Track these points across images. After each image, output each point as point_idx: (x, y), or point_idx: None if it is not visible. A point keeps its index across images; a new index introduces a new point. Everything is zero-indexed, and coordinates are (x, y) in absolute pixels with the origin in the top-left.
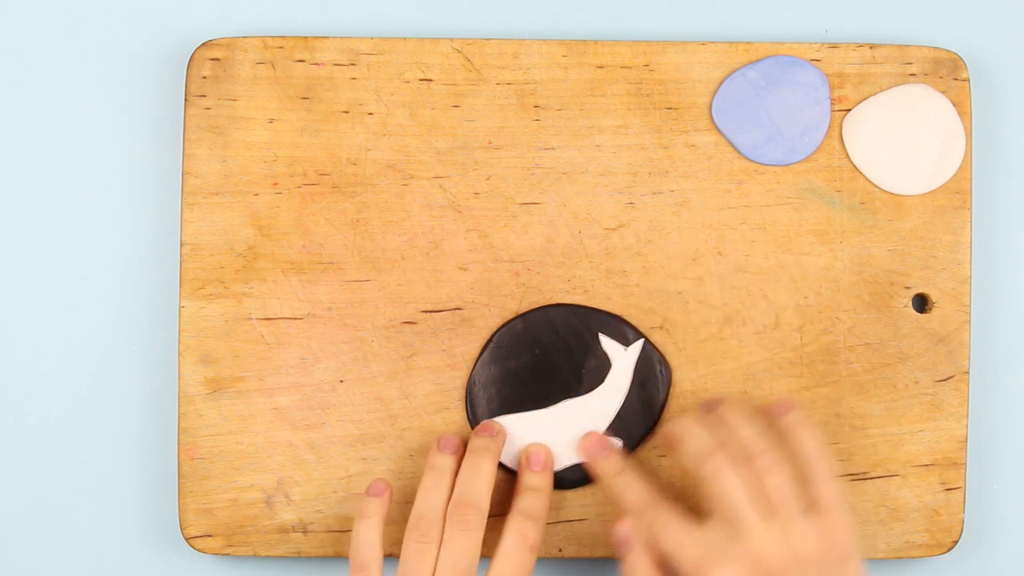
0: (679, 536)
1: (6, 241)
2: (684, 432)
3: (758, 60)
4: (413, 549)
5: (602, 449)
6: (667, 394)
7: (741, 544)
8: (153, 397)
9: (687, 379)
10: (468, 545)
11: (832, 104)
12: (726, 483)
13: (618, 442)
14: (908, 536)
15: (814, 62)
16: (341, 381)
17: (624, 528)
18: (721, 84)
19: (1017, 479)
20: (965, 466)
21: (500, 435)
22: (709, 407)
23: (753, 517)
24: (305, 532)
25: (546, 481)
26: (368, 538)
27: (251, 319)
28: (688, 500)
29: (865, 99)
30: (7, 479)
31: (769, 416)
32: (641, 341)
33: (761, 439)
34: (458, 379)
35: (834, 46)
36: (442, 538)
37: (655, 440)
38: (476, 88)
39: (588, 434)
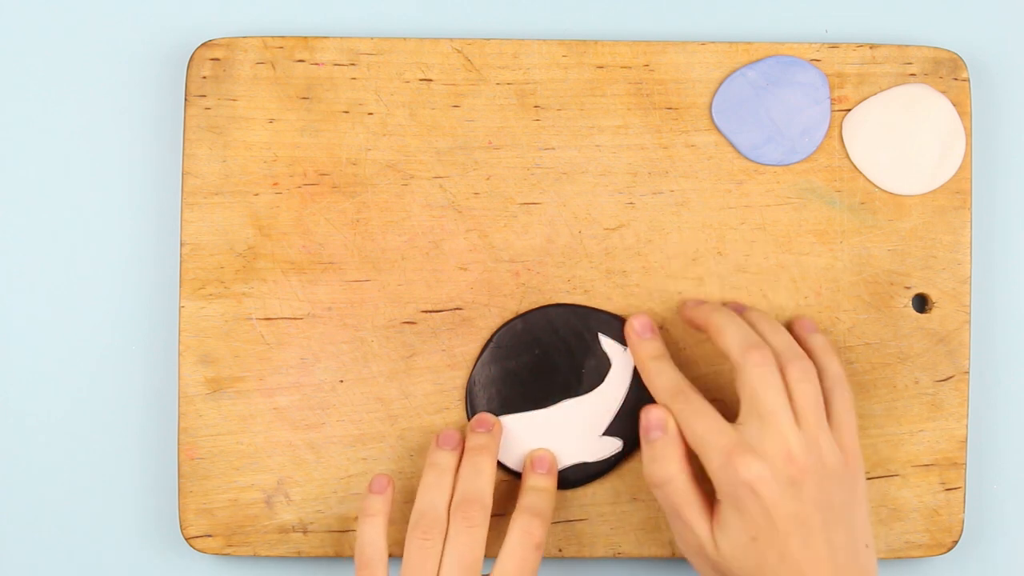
0: (711, 424)
1: (6, 241)
2: (725, 322)
3: (758, 60)
4: (417, 546)
5: (646, 331)
6: None
7: (773, 439)
8: (153, 397)
9: (687, 379)
10: (473, 542)
11: (832, 104)
12: (768, 379)
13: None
14: (908, 536)
15: (814, 62)
16: (341, 381)
17: (656, 413)
18: (721, 84)
19: (1017, 479)
20: (965, 466)
21: (497, 428)
22: (737, 309)
23: (787, 417)
24: (305, 532)
25: (551, 482)
26: (372, 537)
27: (251, 319)
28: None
29: (865, 99)
30: (7, 479)
31: (794, 333)
32: None
33: (797, 348)
34: (458, 379)
35: (834, 46)
36: (446, 535)
37: (683, 313)
38: (476, 88)
39: (636, 315)
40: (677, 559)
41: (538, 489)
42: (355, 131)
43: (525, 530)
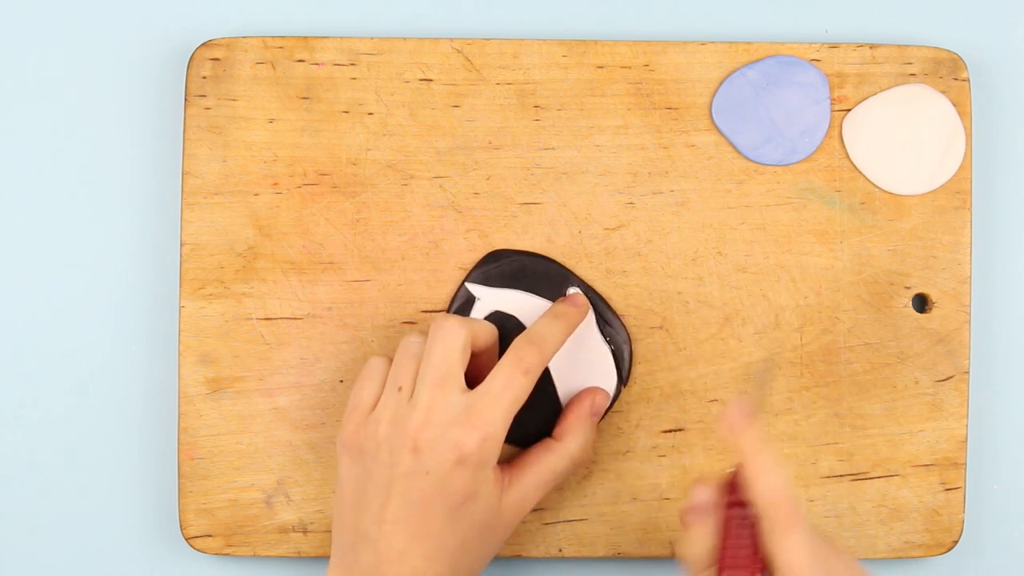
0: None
1: (6, 241)
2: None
3: (758, 60)
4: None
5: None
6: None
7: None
8: (153, 397)
9: (686, 379)
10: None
11: (832, 104)
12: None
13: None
14: (908, 536)
15: (814, 62)
16: (341, 381)
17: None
18: (721, 84)
19: (1017, 479)
20: (965, 466)
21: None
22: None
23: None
24: (305, 532)
25: (572, 314)
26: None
27: (251, 319)
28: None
29: (865, 99)
30: (7, 479)
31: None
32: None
33: None
34: None
35: (834, 46)
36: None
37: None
38: (476, 88)
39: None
40: (678, 559)
41: (553, 315)
42: (355, 131)
43: (517, 354)
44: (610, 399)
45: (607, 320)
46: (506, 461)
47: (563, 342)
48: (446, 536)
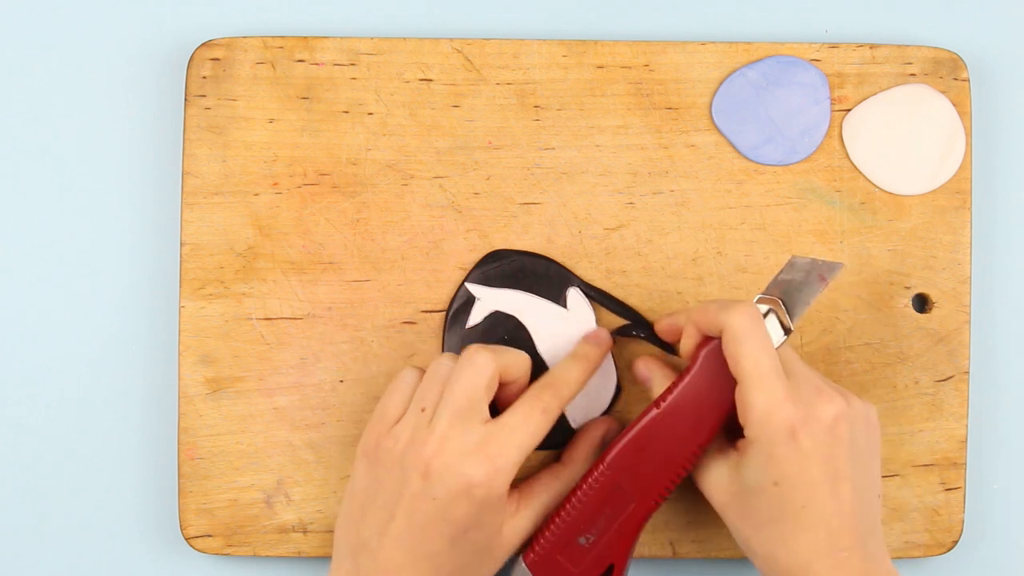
0: (769, 365)
1: (6, 241)
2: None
3: (758, 60)
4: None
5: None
6: None
7: (806, 388)
8: (153, 397)
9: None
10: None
11: (832, 104)
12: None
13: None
14: (908, 536)
15: (814, 62)
16: (341, 381)
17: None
18: (721, 84)
19: (1017, 479)
20: (965, 466)
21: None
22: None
23: (809, 369)
24: (305, 532)
25: (593, 354)
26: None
27: (251, 319)
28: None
29: (865, 99)
30: (7, 479)
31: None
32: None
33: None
34: None
35: (834, 46)
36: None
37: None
38: (476, 88)
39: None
40: (678, 559)
41: (573, 356)
42: (355, 131)
43: (537, 394)
44: (620, 428)
45: (624, 315)
46: (514, 485)
47: (583, 382)
48: (444, 560)
